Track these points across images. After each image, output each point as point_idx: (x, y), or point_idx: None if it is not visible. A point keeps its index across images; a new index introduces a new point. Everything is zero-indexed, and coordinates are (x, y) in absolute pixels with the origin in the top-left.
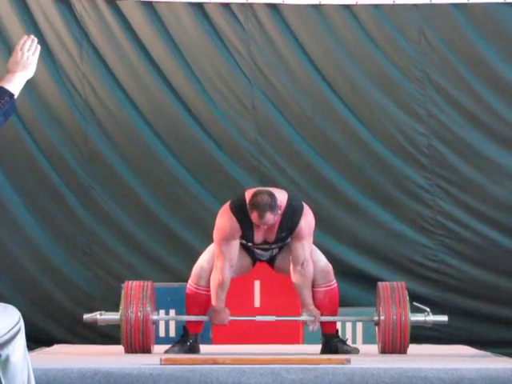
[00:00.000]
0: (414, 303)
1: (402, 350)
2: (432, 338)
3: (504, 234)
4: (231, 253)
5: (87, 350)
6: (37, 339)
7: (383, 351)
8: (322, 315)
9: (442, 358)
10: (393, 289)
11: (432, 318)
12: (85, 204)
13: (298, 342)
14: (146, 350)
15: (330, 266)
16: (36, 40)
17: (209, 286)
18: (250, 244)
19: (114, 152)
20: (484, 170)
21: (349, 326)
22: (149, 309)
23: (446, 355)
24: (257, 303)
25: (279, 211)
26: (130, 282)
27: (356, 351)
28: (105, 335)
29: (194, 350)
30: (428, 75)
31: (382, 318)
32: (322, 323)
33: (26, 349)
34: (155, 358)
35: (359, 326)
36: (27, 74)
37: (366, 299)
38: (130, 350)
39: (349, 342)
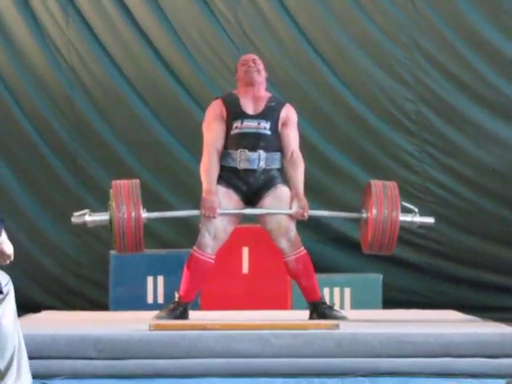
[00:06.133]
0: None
1: (389, 248)
2: (420, 303)
3: (491, 200)
4: (216, 134)
5: (75, 317)
6: (24, 306)
7: (370, 248)
8: (299, 282)
9: (431, 322)
10: (385, 186)
11: (419, 218)
12: (72, 171)
13: (286, 308)
14: (139, 247)
15: (297, 237)
16: None
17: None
18: (239, 123)
19: (100, 118)
20: (472, 136)
21: (337, 291)
22: (139, 207)
23: (434, 320)
24: (245, 269)
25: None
26: (118, 181)
27: (345, 318)
28: (93, 302)
29: (183, 316)
30: (415, 40)
31: (374, 212)
32: (305, 291)
33: (16, 313)
34: (144, 324)
35: (347, 291)
36: None
37: (353, 265)
38: (122, 249)
39: (336, 308)
